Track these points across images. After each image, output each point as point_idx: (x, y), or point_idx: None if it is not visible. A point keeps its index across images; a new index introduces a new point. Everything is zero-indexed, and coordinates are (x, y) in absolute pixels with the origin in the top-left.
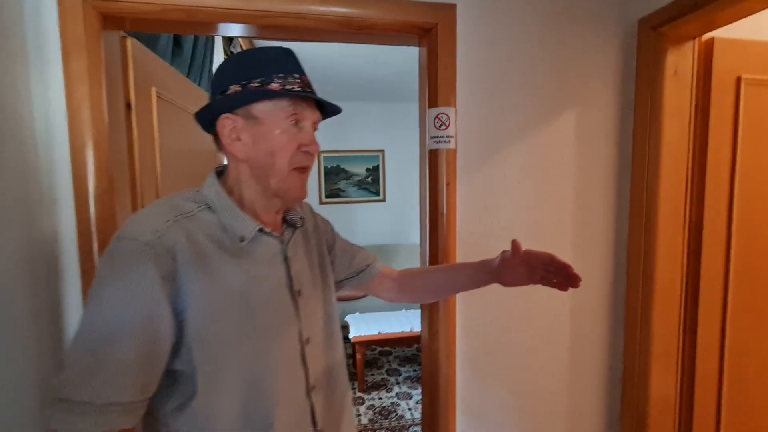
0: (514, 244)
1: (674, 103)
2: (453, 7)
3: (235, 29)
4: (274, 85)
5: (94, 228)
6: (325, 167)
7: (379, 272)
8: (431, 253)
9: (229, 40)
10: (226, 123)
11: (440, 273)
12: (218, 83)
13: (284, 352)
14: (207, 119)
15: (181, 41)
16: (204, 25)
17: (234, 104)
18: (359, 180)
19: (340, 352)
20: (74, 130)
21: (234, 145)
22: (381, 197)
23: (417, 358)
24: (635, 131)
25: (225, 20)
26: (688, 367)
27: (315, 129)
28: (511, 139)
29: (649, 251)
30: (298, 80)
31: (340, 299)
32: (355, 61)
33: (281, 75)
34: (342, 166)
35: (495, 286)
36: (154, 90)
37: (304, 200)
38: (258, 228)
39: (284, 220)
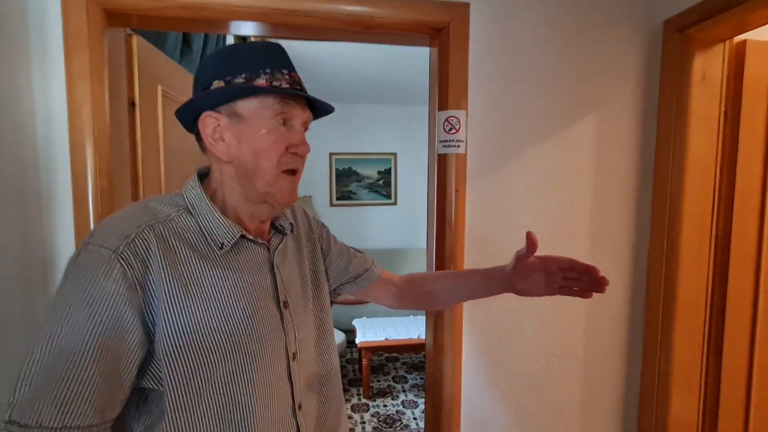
0: (529, 236)
1: (701, 109)
2: (466, 6)
3: (241, 28)
4: (261, 81)
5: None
6: (337, 169)
7: (377, 277)
8: (438, 263)
9: (241, 40)
10: (209, 121)
11: (446, 279)
12: (201, 78)
13: (267, 369)
14: (189, 117)
15: (191, 40)
16: (210, 22)
17: (217, 101)
18: (370, 183)
19: (333, 364)
20: (74, 129)
21: (217, 146)
22: (392, 200)
23: (424, 366)
24: (658, 139)
25: (230, 18)
26: (712, 392)
27: (305, 129)
28: (524, 144)
29: (671, 266)
30: (287, 77)
31: (345, 303)
32: (369, 64)
33: (268, 70)
34: (354, 169)
35: (504, 301)
36: (160, 89)
37: (296, 204)
38: (239, 234)
39: (272, 226)
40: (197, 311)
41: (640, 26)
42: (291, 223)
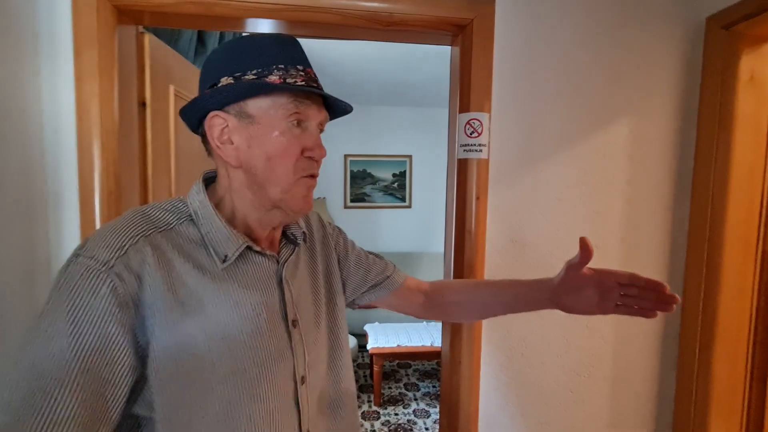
0: (583, 242)
1: (748, 112)
2: (491, 1)
3: (256, 25)
4: (273, 78)
5: None
6: (351, 171)
7: (399, 285)
8: (456, 274)
9: None
10: (216, 122)
11: (480, 289)
12: (207, 74)
13: (271, 397)
14: (194, 117)
15: (205, 39)
16: (223, 19)
17: (225, 100)
18: (385, 185)
19: (346, 387)
20: (82, 129)
21: (225, 149)
22: (407, 203)
23: (437, 373)
24: (698, 145)
25: (244, 15)
26: (755, 423)
27: (321, 130)
28: (552, 150)
29: (711, 285)
30: (302, 73)
31: (359, 307)
32: (386, 65)
33: (282, 66)
34: (368, 171)
35: (526, 314)
36: (172, 88)
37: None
38: (245, 245)
39: (284, 235)
40: (196, 332)
41: (679, 23)
42: (304, 232)
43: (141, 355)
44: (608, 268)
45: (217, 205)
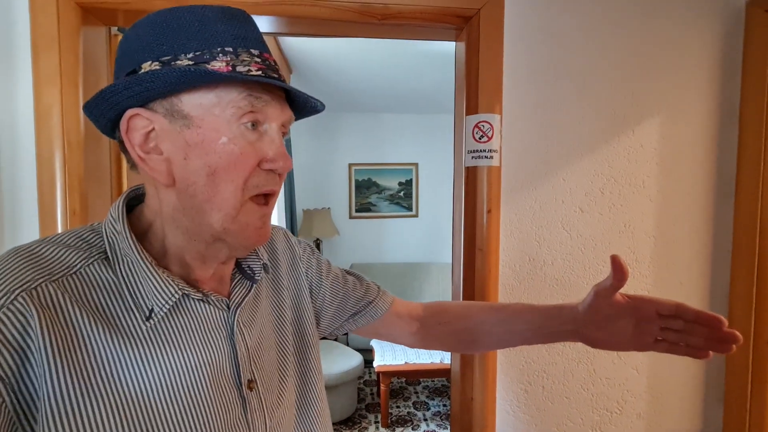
0: (615, 261)
1: None
2: None
3: None
4: (218, 65)
5: None
6: (356, 180)
7: (384, 311)
8: (465, 297)
9: None
10: (137, 123)
11: (488, 317)
12: (124, 57)
13: None
14: (105, 116)
15: None
16: None
17: (149, 93)
18: (391, 194)
19: None
20: (41, 140)
21: (151, 161)
22: (414, 213)
23: (448, 390)
24: (741, 146)
25: None
26: None
27: (285, 134)
28: (572, 155)
29: (763, 306)
30: (258, 59)
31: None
32: (390, 72)
33: (229, 49)
34: (374, 180)
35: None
36: None
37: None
38: (180, 293)
39: (238, 267)
40: (107, 421)
41: (714, 9)
42: (265, 264)
43: None
44: (646, 295)
45: (144, 236)
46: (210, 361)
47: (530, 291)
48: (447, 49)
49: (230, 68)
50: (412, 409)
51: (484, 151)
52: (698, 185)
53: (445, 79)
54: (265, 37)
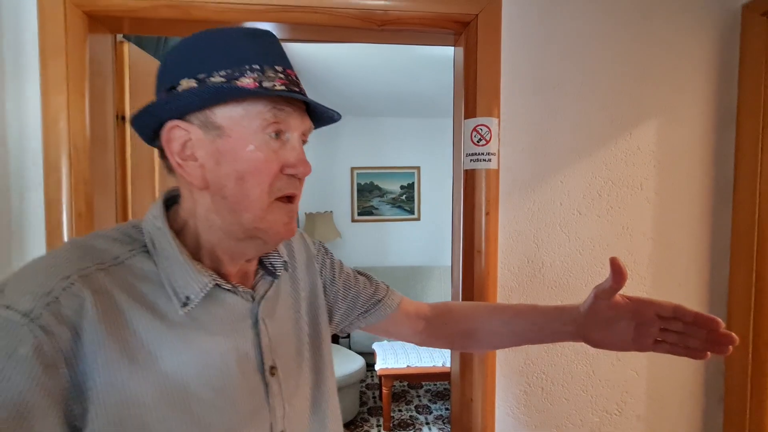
0: (614, 263)
1: None
2: None
3: None
4: (246, 81)
5: None
6: (358, 184)
7: (393, 310)
8: (465, 299)
9: None
10: (176, 134)
11: (491, 317)
12: (164, 75)
13: None
14: (149, 127)
15: None
16: (204, 24)
17: (186, 107)
18: (393, 198)
19: (334, 428)
20: (48, 145)
21: (188, 167)
22: (416, 216)
23: (450, 394)
24: (738, 148)
25: (225, 18)
26: None
27: (304, 142)
28: (570, 158)
29: (762, 307)
30: (281, 75)
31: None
32: (392, 76)
33: (256, 66)
34: (376, 183)
35: (546, 344)
36: None
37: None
38: (213, 283)
39: (261, 265)
40: (148, 394)
41: (710, 12)
42: (285, 261)
43: (75, 428)
44: (646, 297)
45: (180, 233)
46: (237, 346)
47: (529, 293)
48: (447, 53)
49: (257, 84)
50: (414, 413)
51: (483, 154)
52: (696, 187)
53: (446, 82)
54: None
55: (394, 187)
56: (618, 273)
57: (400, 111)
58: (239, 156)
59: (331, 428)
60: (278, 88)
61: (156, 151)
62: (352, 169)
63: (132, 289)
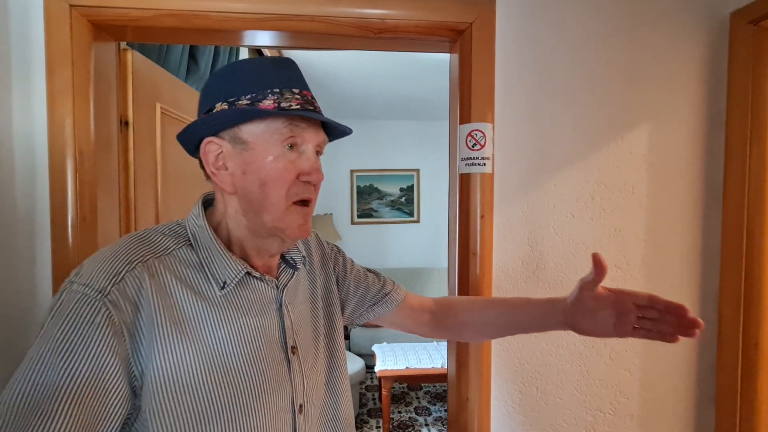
0: (596, 259)
1: None
2: (491, 3)
3: (240, 37)
4: (267, 103)
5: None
6: (358, 186)
7: (399, 303)
8: None
9: (257, 53)
10: (211, 148)
11: (489, 309)
12: (204, 99)
13: (270, 427)
14: (191, 142)
15: (197, 56)
16: (206, 32)
17: (219, 126)
18: (392, 200)
19: (345, 415)
20: (54, 151)
21: (220, 175)
22: (415, 218)
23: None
24: (728, 153)
25: (226, 26)
26: None
27: (319, 153)
28: (562, 162)
29: (751, 308)
30: (298, 96)
31: (366, 326)
32: (391, 80)
33: (276, 90)
34: (375, 186)
35: (540, 344)
36: (158, 106)
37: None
38: (244, 272)
39: (283, 259)
40: (192, 359)
41: (700, 20)
42: (303, 256)
43: (135, 386)
44: (624, 288)
45: (215, 229)
46: (265, 326)
47: (523, 294)
48: (444, 57)
49: (276, 105)
50: (413, 414)
51: (477, 158)
52: (687, 190)
53: (444, 86)
54: (268, 50)
55: (393, 189)
56: (599, 266)
57: (399, 114)
58: (261, 165)
59: (344, 408)
60: (294, 107)
61: (159, 156)
62: (352, 171)
63: (179, 274)
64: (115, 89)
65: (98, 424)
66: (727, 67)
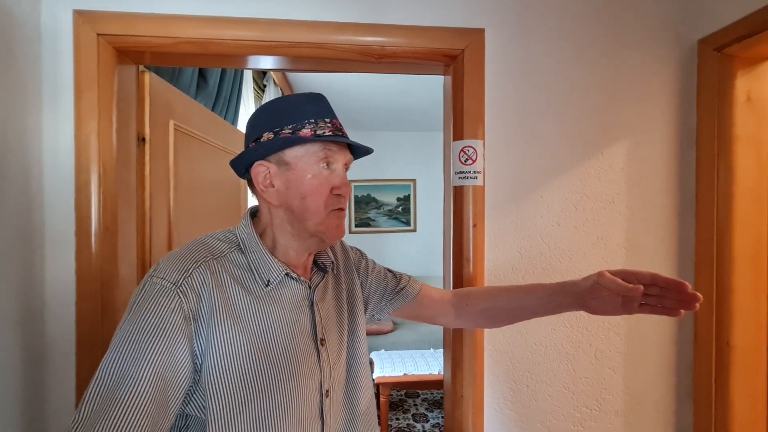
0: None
1: (748, 133)
2: (481, 32)
3: (251, 62)
4: (305, 131)
5: (94, 268)
6: (356, 196)
7: (414, 295)
8: None
9: (262, 74)
10: (260, 170)
11: (506, 296)
12: (252, 131)
13: (301, 406)
14: (242, 166)
15: (207, 75)
16: (220, 57)
17: (267, 151)
18: (390, 209)
19: (366, 402)
20: (80, 167)
21: (268, 192)
22: (412, 227)
23: None
24: (699, 167)
25: (240, 52)
26: None
27: (347, 169)
28: (548, 175)
29: (723, 309)
30: (329, 124)
31: (367, 333)
32: (387, 91)
33: (312, 120)
34: (373, 195)
35: (531, 344)
36: (172, 123)
37: None
38: (284, 272)
39: (315, 264)
40: (243, 343)
41: (672, 46)
42: (333, 261)
43: (196, 363)
44: (629, 268)
45: (261, 237)
46: (299, 320)
47: None
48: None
49: (312, 132)
50: (411, 421)
51: (469, 172)
52: (663, 201)
53: (440, 98)
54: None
55: (390, 199)
56: (630, 290)
57: (396, 125)
58: (301, 182)
59: (364, 392)
60: (327, 134)
61: (172, 169)
62: (350, 181)
63: (232, 272)
64: (134, 108)
65: (170, 391)
66: (696, 90)
